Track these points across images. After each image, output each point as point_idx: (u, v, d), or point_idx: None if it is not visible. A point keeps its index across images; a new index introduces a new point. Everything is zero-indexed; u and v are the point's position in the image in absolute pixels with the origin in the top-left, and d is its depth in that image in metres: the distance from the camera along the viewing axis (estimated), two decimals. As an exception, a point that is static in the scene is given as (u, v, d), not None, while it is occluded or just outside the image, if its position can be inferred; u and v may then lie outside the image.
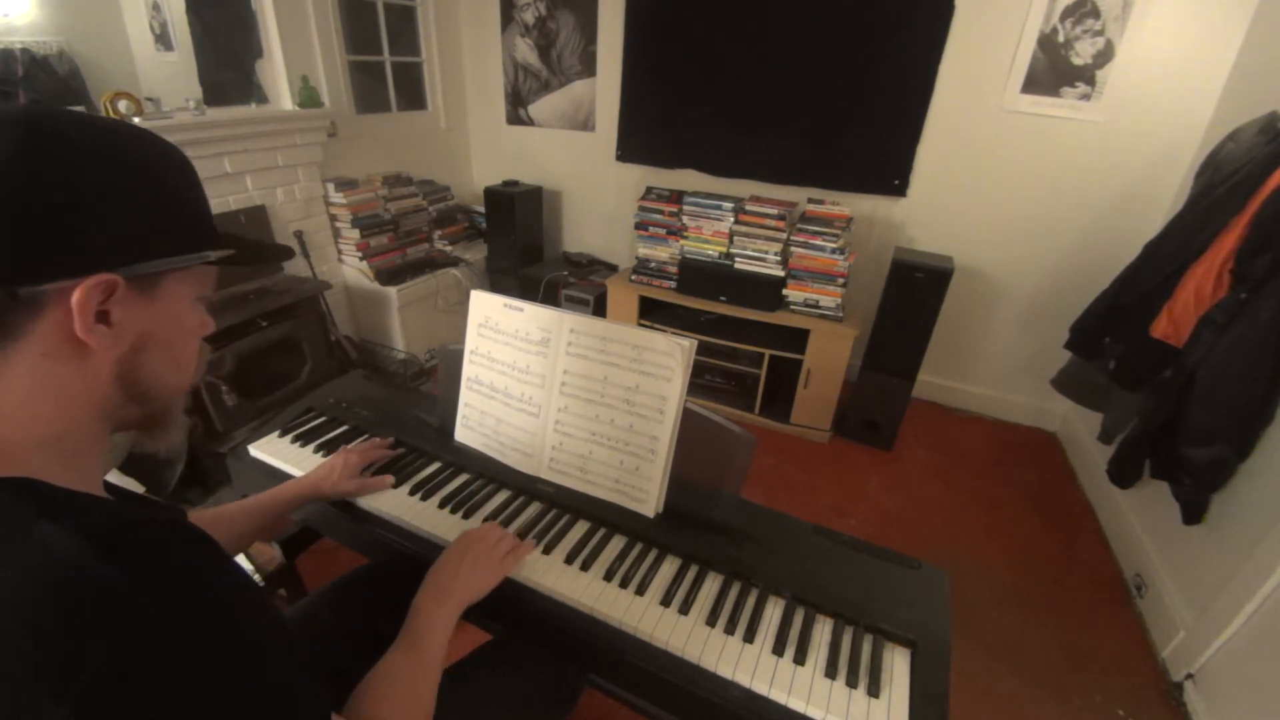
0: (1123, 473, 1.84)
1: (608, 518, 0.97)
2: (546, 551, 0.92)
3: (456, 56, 3.33)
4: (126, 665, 0.37)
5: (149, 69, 2.19)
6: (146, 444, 0.55)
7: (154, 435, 0.55)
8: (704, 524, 0.97)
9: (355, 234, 2.72)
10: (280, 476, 1.06)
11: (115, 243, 0.45)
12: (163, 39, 2.20)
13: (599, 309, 2.91)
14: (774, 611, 0.85)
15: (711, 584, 0.89)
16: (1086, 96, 2.25)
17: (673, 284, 2.70)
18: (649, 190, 2.73)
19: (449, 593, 0.77)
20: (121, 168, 0.46)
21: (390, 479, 1.03)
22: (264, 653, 0.44)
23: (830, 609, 0.85)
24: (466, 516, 0.97)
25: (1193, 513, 1.62)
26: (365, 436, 1.15)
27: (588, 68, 3.06)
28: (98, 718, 0.36)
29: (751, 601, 0.86)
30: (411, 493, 1.02)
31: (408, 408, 1.23)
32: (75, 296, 0.42)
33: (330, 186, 2.68)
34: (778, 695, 0.74)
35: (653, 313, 2.78)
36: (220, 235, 0.53)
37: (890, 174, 2.62)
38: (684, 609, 0.84)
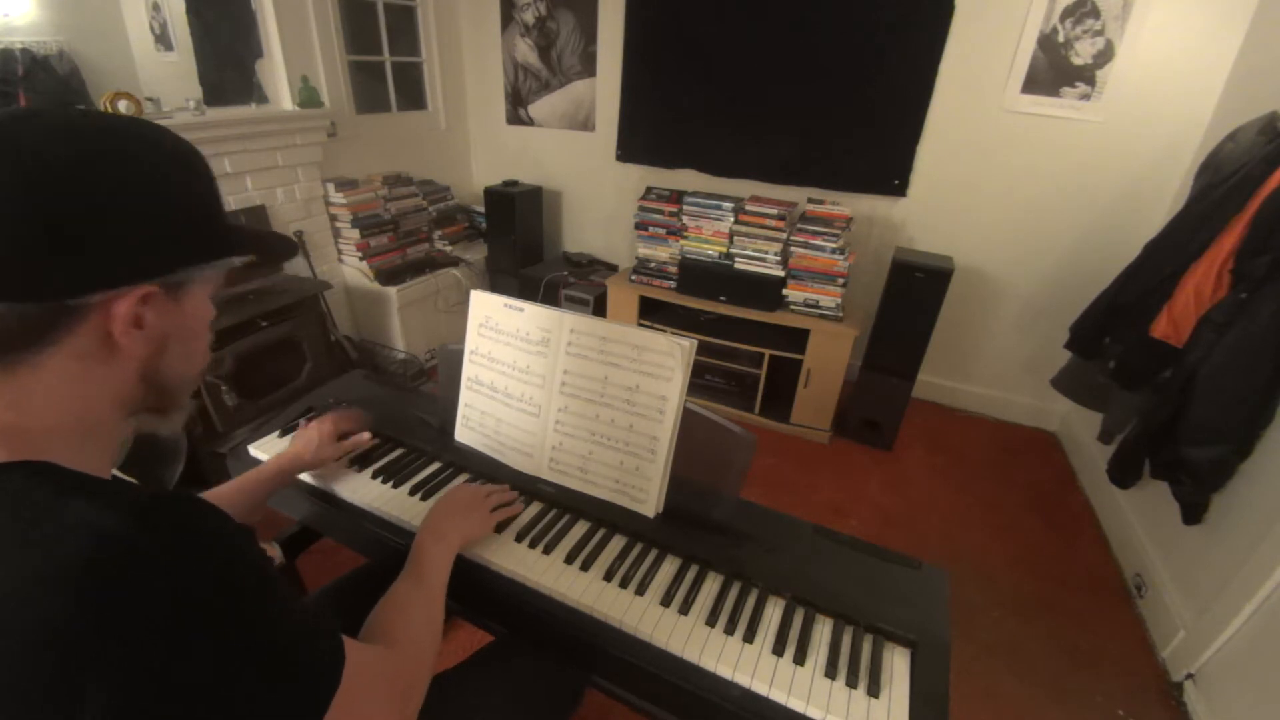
0: (1123, 473, 1.84)
1: (608, 518, 0.98)
2: (546, 551, 0.92)
3: (456, 56, 3.33)
4: (169, 620, 0.39)
5: (149, 69, 2.19)
6: (152, 426, 0.56)
7: (163, 419, 0.56)
8: (704, 524, 0.97)
9: (355, 234, 2.72)
10: (280, 476, 1.06)
11: (155, 253, 0.47)
12: (163, 39, 2.20)
13: (599, 309, 2.91)
14: (774, 612, 0.85)
15: (711, 584, 0.89)
16: (1086, 96, 2.25)
17: (673, 284, 2.70)
18: (649, 190, 2.73)
19: (443, 533, 0.84)
20: (162, 180, 0.48)
21: (367, 435, 1.09)
22: (283, 593, 0.48)
23: (830, 609, 0.85)
24: (466, 516, 0.97)
25: (1193, 513, 1.62)
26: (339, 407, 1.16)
27: (588, 68, 3.06)
28: (151, 676, 0.38)
29: (751, 602, 0.86)
30: (411, 493, 1.02)
31: (408, 408, 1.23)
32: (121, 307, 0.45)
33: (330, 186, 2.68)
34: (778, 695, 0.74)
35: (653, 313, 2.78)
36: (233, 231, 0.55)
37: (890, 174, 2.62)
38: (684, 609, 0.84)
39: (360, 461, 1.08)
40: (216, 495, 0.89)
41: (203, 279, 0.53)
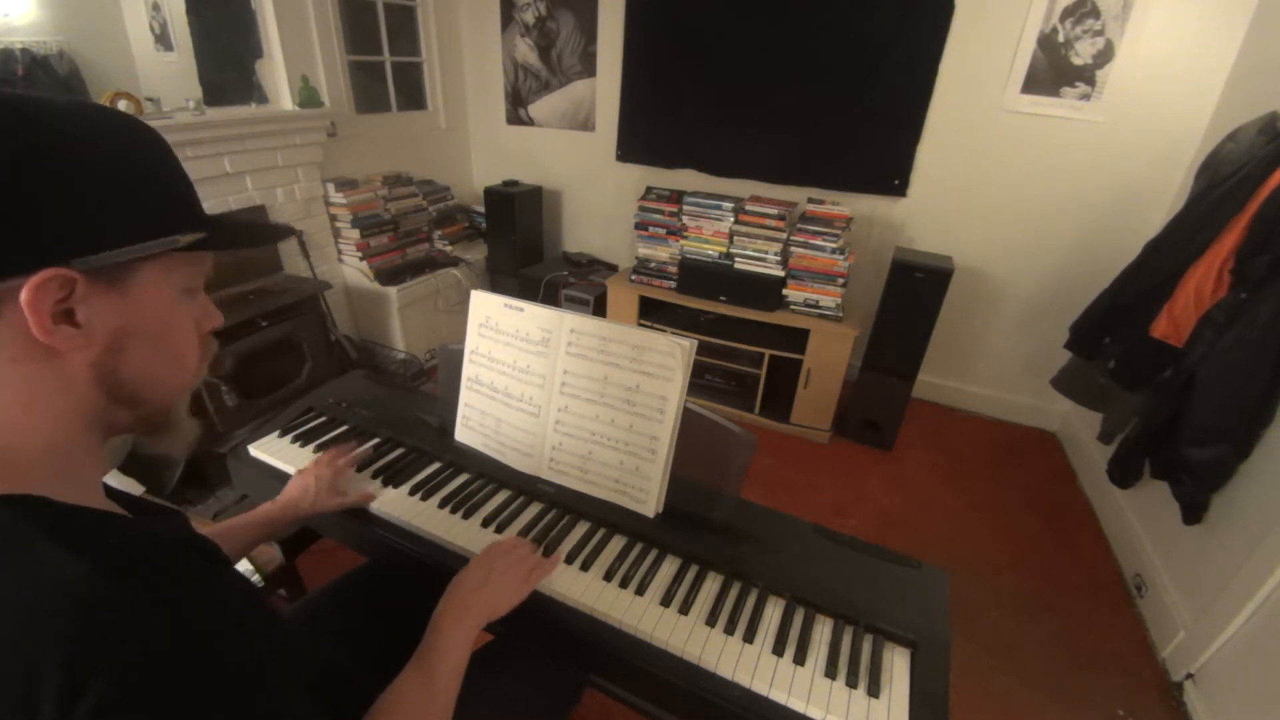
0: (1123, 473, 1.84)
1: (608, 518, 0.97)
2: (547, 552, 0.92)
3: (456, 56, 3.33)
4: (131, 690, 0.36)
5: (149, 69, 2.19)
6: (150, 446, 0.52)
7: (156, 438, 0.52)
8: (704, 524, 0.97)
9: (355, 234, 2.72)
10: (280, 476, 1.06)
11: (64, 234, 0.40)
12: (163, 39, 2.20)
13: (599, 309, 2.91)
14: (774, 611, 0.85)
15: (711, 584, 0.88)
16: (1086, 96, 2.25)
17: (673, 284, 2.70)
18: (649, 190, 2.73)
19: (469, 606, 0.74)
20: (66, 150, 0.41)
21: (373, 496, 1.00)
22: (267, 676, 0.43)
23: (830, 609, 0.85)
24: (466, 516, 0.97)
25: (1193, 513, 1.62)
26: (344, 428, 1.15)
27: (588, 68, 3.06)
28: None
29: (751, 601, 0.86)
30: (411, 493, 1.02)
31: (408, 408, 1.23)
32: (23, 296, 0.39)
33: (330, 186, 2.68)
34: (778, 695, 0.74)
35: (653, 313, 2.78)
36: (204, 218, 0.49)
37: (890, 174, 2.62)
38: (684, 609, 0.84)
39: (360, 462, 1.08)
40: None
41: (155, 267, 0.45)
